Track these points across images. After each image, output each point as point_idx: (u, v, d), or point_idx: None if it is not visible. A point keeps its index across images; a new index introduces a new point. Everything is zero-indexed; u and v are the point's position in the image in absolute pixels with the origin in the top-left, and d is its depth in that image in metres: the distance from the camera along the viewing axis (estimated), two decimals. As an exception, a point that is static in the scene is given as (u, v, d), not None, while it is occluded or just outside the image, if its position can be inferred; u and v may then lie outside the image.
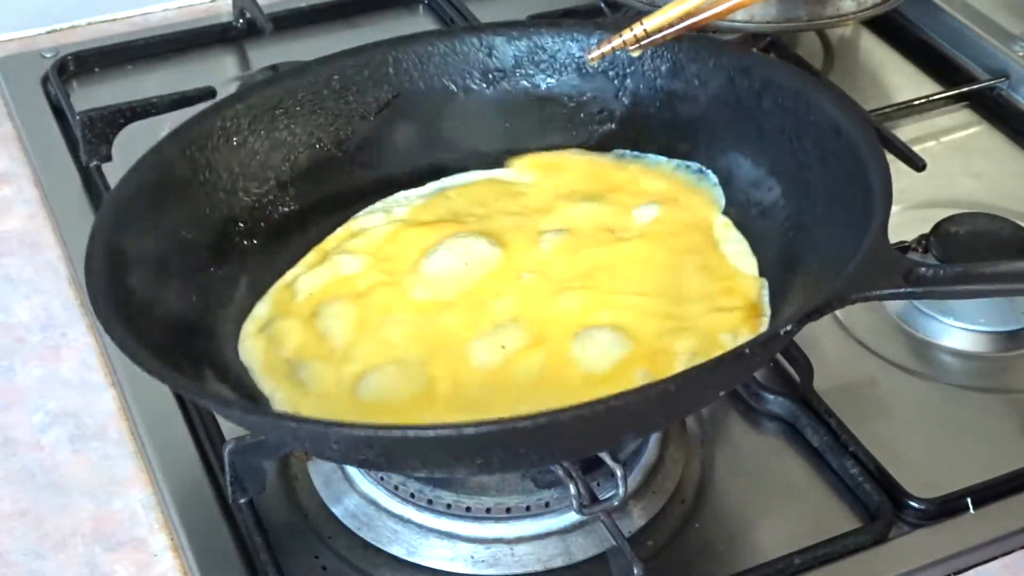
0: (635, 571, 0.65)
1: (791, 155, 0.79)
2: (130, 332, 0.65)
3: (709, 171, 0.84)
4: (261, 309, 0.77)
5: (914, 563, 0.72)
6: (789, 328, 0.63)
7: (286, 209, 0.81)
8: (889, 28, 1.13)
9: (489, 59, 0.87)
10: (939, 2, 1.12)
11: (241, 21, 1.10)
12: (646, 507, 0.73)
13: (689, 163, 0.84)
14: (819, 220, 0.76)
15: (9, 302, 0.88)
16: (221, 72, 1.07)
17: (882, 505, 0.74)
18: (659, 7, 1.03)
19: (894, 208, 0.97)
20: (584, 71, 0.87)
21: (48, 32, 1.12)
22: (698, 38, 0.85)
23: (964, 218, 0.89)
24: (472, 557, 0.71)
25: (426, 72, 0.86)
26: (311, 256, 0.80)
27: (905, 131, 1.01)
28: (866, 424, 0.78)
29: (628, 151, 0.86)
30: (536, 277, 0.77)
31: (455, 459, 0.65)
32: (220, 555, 0.71)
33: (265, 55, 1.08)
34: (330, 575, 0.71)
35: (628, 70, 0.86)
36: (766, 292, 0.76)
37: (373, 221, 0.82)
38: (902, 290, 0.66)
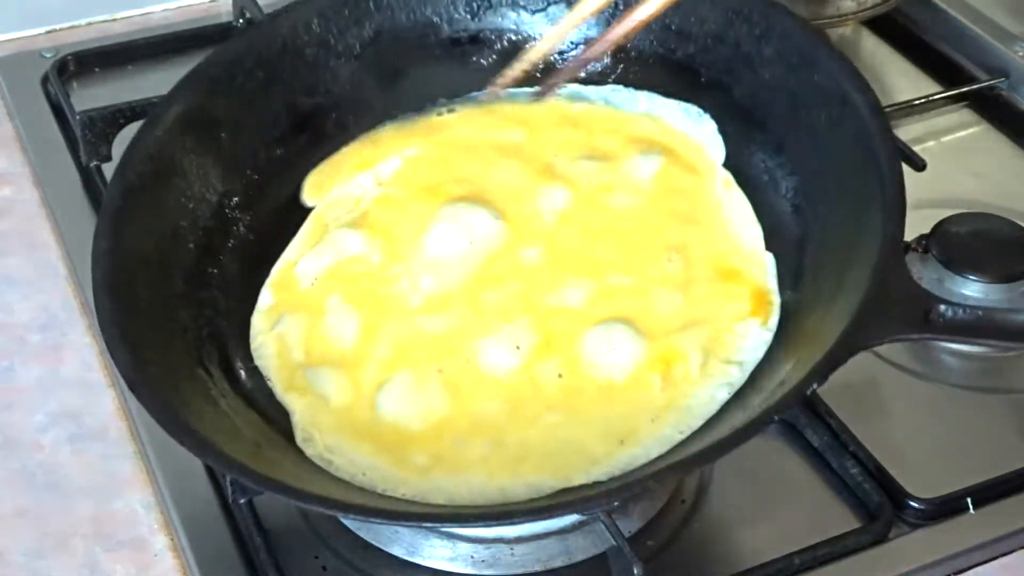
0: (635, 571, 0.65)
1: (794, 114, 0.77)
2: (162, 396, 0.65)
3: (707, 116, 0.82)
4: (266, 298, 0.76)
5: (914, 563, 0.72)
6: (815, 387, 0.63)
7: (278, 174, 0.80)
8: (889, 28, 1.13)
9: None
10: (939, 2, 1.12)
11: (241, 21, 1.10)
12: (646, 507, 0.73)
13: (687, 105, 0.83)
14: (827, 196, 0.74)
15: (9, 302, 0.88)
16: (221, 72, 1.07)
17: (882, 505, 0.73)
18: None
19: (894, 208, 0.97)
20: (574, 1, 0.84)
21: (48, 32, 1.12)
22: None
23: (964, 218, 0.89)
24: (472, 557, 0.71)
25: (407, 4, 0.85)
26: (309, 228, 0.79)
27: (905, 131, 1.01)
28: (866, 424, 0.78)
29: (622, 87, 0.85)
30: (541, 254, 0.76)
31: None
32: (220, 555, 0.71)
33: (265, 55, 1.08)
34: (330, 575, 0.71)
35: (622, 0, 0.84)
36: (773, 271, 0.75)
37: (366, 183, 0.81)
38: (924, 335, 0.65)
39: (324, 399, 0.71)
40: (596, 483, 0.66)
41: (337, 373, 0.72)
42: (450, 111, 0.85)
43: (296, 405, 0.71)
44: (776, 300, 0.73)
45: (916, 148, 0.96)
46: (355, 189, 0.81)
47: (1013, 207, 0.93)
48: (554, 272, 0.76)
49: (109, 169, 0.94)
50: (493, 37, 0.86)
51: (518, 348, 0.72)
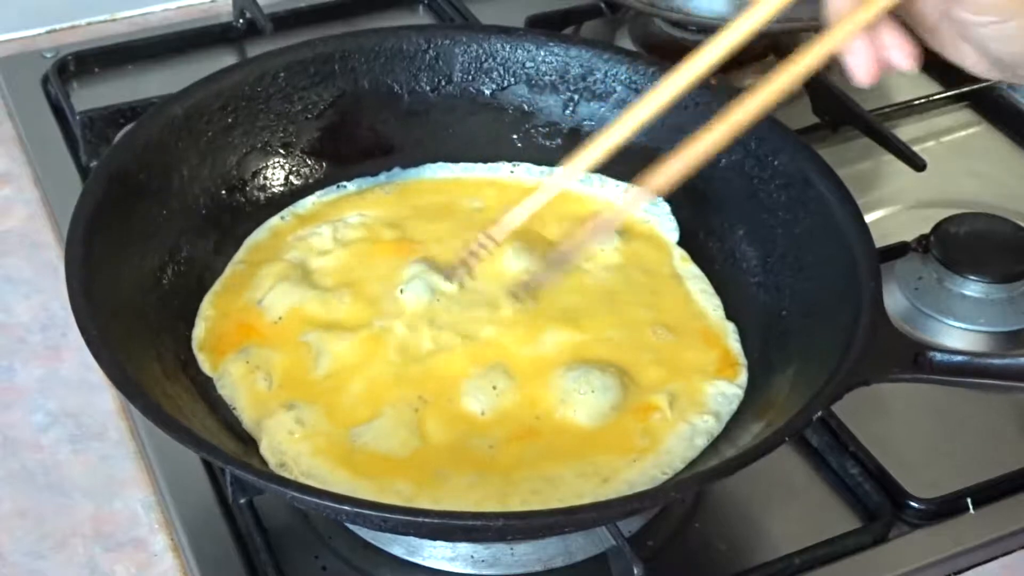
0: (635, 571, 0.65)
1: (752, 196, 0.79)
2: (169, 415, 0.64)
3: (660, 199, 0.84)
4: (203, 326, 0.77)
5: (914, 563, 0.72)
6: (814, 417, 0.64)
7: (239, 210, 0.81)
8: (889, 28, 1.13)
9: (436, 62, 0.87)
10: (939, 2, 1.12)
11: (241, 21, 1.10)
12: (646, 507, 0.73)
13: (640, 188, 0.84)
14: (791, 268, 0.76)
15: (9, 302, 0.88)
16: (221, 72, 1.07)
17: (882, 505, 0.74)
18: (659, 9, 1.03)
19: (894, 208, 0.98)
20: (533, 82, 0.87)
21: (48, 32, 1.12)
22: (661, 65, 0.84)
23: (964, 218, 0.89)
24: (472, 557, 0.71)
25: (371, 71, 0.86)
26: (278, 266, 0.79)
27: (905, 131, 1.01)
28: (866, 424, 0.78)
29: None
30: (511, 308, 0.77)
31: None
32: (220, 555, 0.71)
33: (265, 55, 1.08)
34: (330, 575, 0.71)
35: (580, 85, 0.86)
36: (736, 337, 0.77)
37: (326, 233, 0.81)
38: (915, 376, 0.67)
39: (299, 428, 0.70)
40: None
41: (313, 407, 0.72)
42: (403, 179, 0.86)
43: (267, 433, 0.70)
44: (743, 362, 0.75)
45: (916, 148, 0.96)
46: (316, 239, 0.81)
47: (1013, 207, 0.93)
48: (527, 324, 0.76)
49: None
50: (451, 109, 0.87)
51: (495, 388, 0.72)
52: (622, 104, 0.85)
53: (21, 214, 0.95)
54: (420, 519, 0.61)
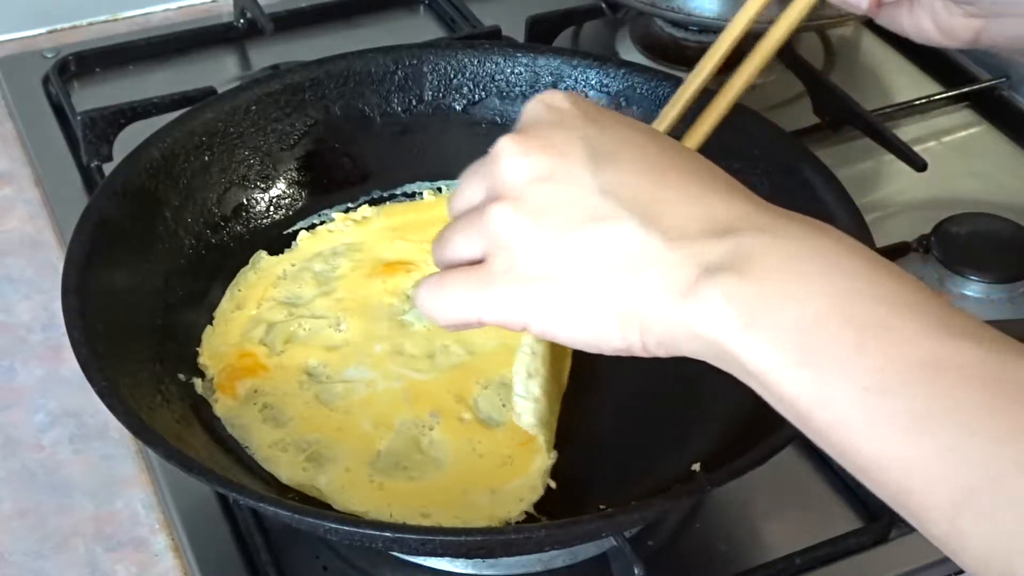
0: (636, 571, 0.65)
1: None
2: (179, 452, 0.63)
3: None
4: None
5: (914, 563, 0.72)
6: None
7: (225, 247, 0.81)
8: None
9: (406, 83, 0.87)
10: (940, 2, 1.12)
11: (242, 21, 1.10)
12: (646, 507, 0.73)
13: None
14: None
15: (10, 302, 0.88)
16: (222, 72, 1.08)
17: (883, 505, 0.73)
18: (660, 9, 1.03)
19: (894, 208, 0.98)
20: (504, 94, 0.87)
21: (49, 32, 1.12)
22: (632, 66, 0.85)
23: (964, 218, 0.89)
24: (473, 557, 0.71)
25: (342, 97, 0.86)
26: (271, 301, 0.79)
27: (905, 131, 1.01)
28: (866, 424, 0.77)
29: None
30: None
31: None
32: (221, 555, 0.71)
33: (266, 55, 1.09)
34: (330, 575, 0.71)
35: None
36: None
37: (317, 268, 0.81)
38: None
39: (312, 465, 0.70)
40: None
41: (325, 439, 0.71)
42: (385, 202, 0.87)
43: (282, 472, 0.70)
44: None
45: (916, 148, 0.96)
46: (306, 271, 0.81)
47: (1013, 207, 0.93)
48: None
49: (110, 169, 0.94)
50: (425, 128, 0.87)
51: (504, 406, 0.73)
52: (599, 99, 0.85)
53: (22, 214, 0.95)
54: (455, 539, 0.62)
